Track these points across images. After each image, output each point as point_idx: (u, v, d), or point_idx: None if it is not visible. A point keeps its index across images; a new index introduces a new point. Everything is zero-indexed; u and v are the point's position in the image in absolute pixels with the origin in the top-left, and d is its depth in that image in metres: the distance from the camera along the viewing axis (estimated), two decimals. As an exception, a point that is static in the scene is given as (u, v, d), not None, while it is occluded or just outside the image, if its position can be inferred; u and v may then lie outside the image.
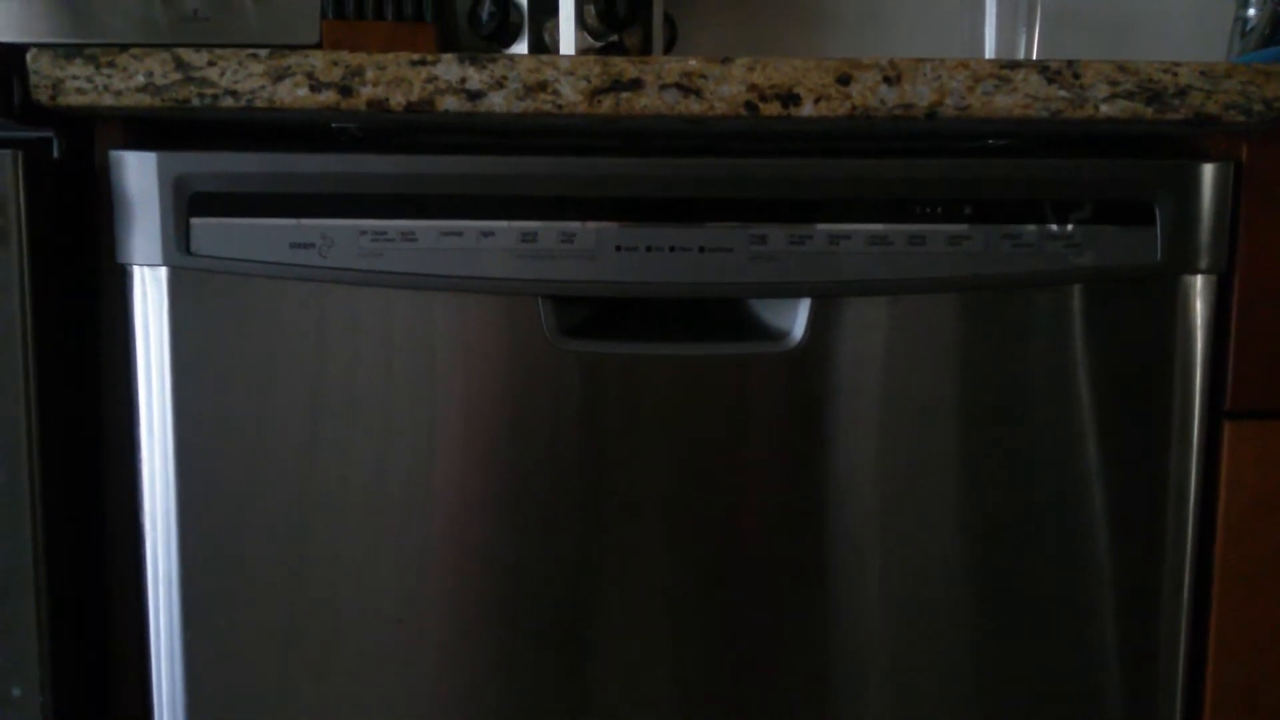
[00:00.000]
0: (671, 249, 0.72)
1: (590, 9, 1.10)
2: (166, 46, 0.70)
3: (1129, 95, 0.72)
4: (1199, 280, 0.75)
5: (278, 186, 0.71)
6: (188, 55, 0.70)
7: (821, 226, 0.73)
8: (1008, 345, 0.74)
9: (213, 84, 0.70)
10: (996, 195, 0.73)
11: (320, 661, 0.75)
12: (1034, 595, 0.76)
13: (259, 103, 0.70)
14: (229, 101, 0.70)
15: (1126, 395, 0.75)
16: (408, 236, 0.71)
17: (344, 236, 0.71)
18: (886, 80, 0.71)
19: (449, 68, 0.69)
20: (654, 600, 0.75)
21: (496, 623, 0.75)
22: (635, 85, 0.70)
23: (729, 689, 0.76)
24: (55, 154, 0.73)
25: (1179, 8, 1.33)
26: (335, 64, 0.69)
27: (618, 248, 0.72)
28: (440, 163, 0.71)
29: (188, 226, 0.71)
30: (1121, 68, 0.71)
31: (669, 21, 1.22)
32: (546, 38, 1.16)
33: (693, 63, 0.70)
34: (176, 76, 0.70)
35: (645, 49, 1.15)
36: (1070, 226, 0.74)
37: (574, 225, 0.72)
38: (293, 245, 0.71)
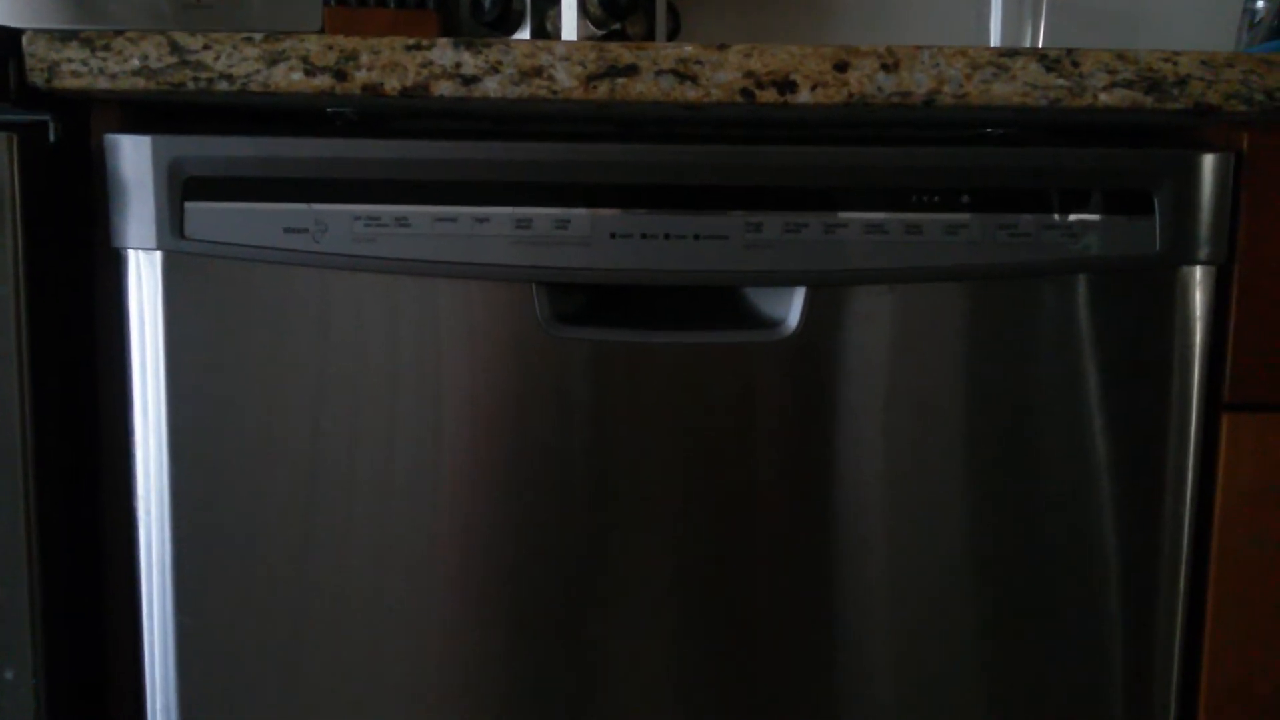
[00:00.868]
0: (667, 236, 0.72)
1: (592, -3, 1.10)
2: (162, 30, 0.70)
3: (1128, 84, 0.71)
4: (1198, 271, 0.75)
5: (271, 171, 0.71)
6: (183, 39, 0.69)
7: (817, 215, 0.72)
8: (1005, 335, 0.74)
9: (208, 67, 0.70)
10: (994, 184, 0.73)
11: (313, 648, 0.75)
12: (1029, 584, 0.76)
13: (254, 87, 0.70)
14: (224, 85, 0.70)
15: (1124, 386, 0.75)
16: (401, 222, 0.71)
17: (338, 222, 0.71)
18: (884, 68, 0.71)
19: (444, 52, 0.69)
20: (652, 587, 0.75)
21: (492, 610, 0.75)
22: (631, 71, 0.70)
23: (728, 674, 0.76)
24: (52, 137, 0.73)
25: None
26: (330, 48, 0.69)
27: (612, 234, 0.72)
28: (435, 148, 0.71)
29: (182, 211, 0.71)
30: (1121, 56, 0.71)
31: (672, 11, 1.22)
32: (549, 26, 1.16)
33: (689, 49, 0.70)
34: (171, 60, 0.70)
35: (648, 38, 1.15)
36: (1069, 216, 0.73)
37: (569, 212, 0.72)
38: (286, 230, 0.71)
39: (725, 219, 0.72)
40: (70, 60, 0.70)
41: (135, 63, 0.70)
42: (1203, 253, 0.74)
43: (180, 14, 1.07)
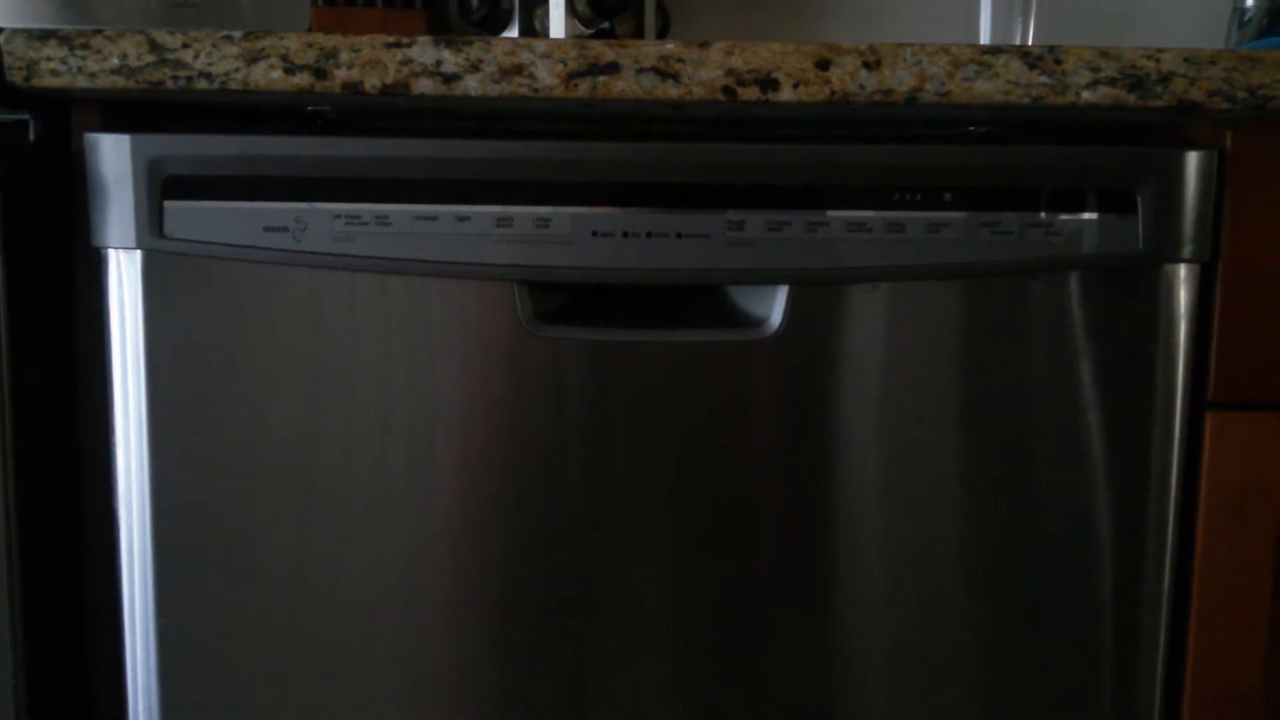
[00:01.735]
0: (648, 235, 0.72)
1: (579, -5, 1.10)
2: (141, 29, 0.70)
3: (1111, 82, 0.71)
4: (1182, 269, 0.74)
5: (251, 169, 0.70)
6: (161, 37, 0.69)
7: (800, 213, 0.72)
8: (988, 333, 0.74)
9: (187, 66, 0.69)
10: (976, 182, 0.72)
11: (294, 647, 0.75)
12: (1014, 580, 0.76)
13: (233, 85, 0.69)
14: (203, 84, 0.69)
15: (1108, 384, 0.75)
16: (382, 220, 0.71)
17: (318, 220, 0.71)
18: (866, 65, 0.70)
19: (424, 50, 0.69)
20: (640, 585, 0.74)
21: (482, 609, 0.74)
22: (612, 69, 0.70)
23: (718, 668, 0.75)
24: (31, 136, 0.73)
25: (1176, -2, 1.32)
26: (310, 46, 0.69)
27: (594, 233, 0.72)
28: (415, 146, 0.71)
29: (161, 209, 0.71)
30: (1104, 54, 0.71)
31: (661, 9, 1.21)
32: (537, 25, 1.15)
33: (670, 46, 0.70)
34: (151, 59, 0.69)
35: (637, 37, 1.15)
36: (1052, 214, 0.73)
37: (550, 210, 0.71)
38: (266, 229, 0.71)
39: (707, 217, 0.72)
40: (49, 59, 0.69)
41: (114, 61, 0.69)
42: (1186, 251, 0.74)
43: (168, 13, 1.07)
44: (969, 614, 0.76)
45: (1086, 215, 0.73)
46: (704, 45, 0.70)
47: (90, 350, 0.75)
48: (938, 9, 1.32)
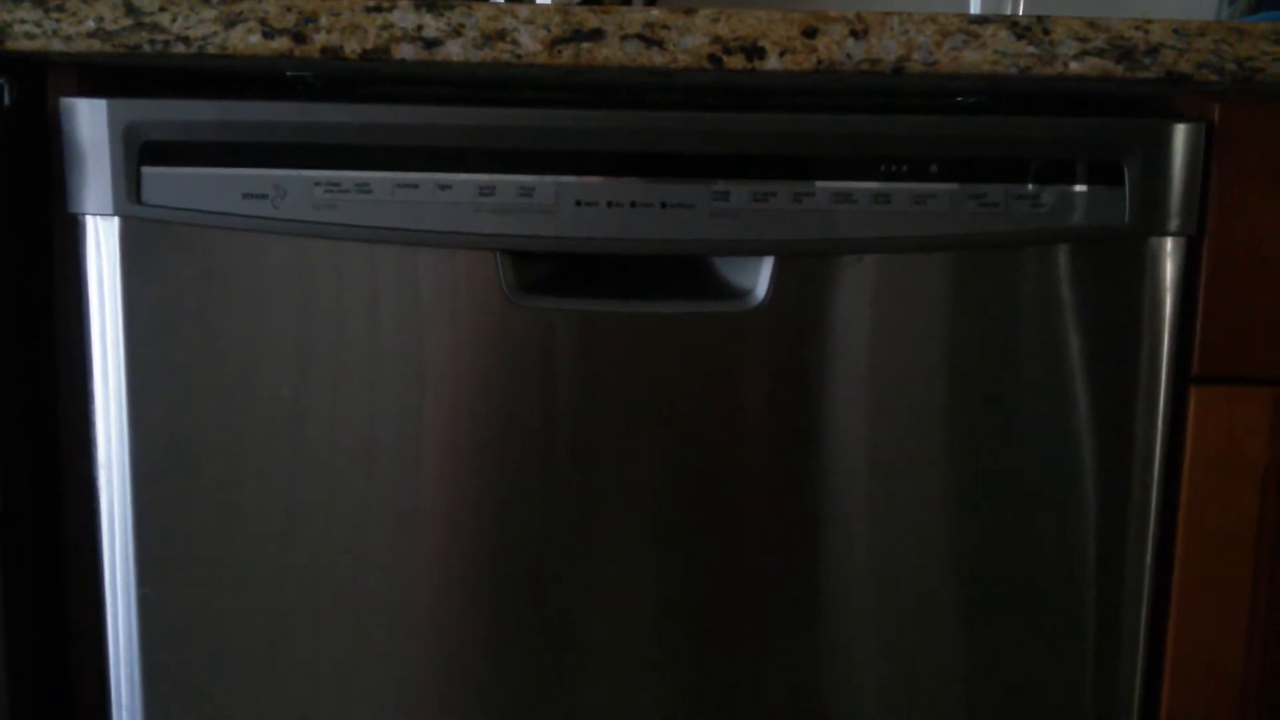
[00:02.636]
0: (632, 204, 0.71)
1: (565, -36, 1.08)
2: (118, -9, 0.69)
3: (1099, 52, 0.70)
4: (1168, 243, 0.74)
5: (230, 135, 0.70)
6: (138, 0, 0.68)
7: (786, 184, 0.71)
8: (974, 305, 0.74)
9: (164, 29, 0.68)
10: (963, 154, 0.72)
11: (276, 618, 0.74)
12: (997, 555, 0.76)
13: (211, 49, 0.68)
14: (180, 48, 0.68)
15: (1093, 358, 0.74)
16: (362, 188, 0.70)
17: (297, 187, 0.70)
18: (853, 34, 0.70)
19: (405, 14, 0.68)
20: (627, 558, 0.74)
21: (464, 581, 0.74)
22: (596, 35, 0.69)
23: (703, 643, 0.75)
24: (6, 100, 0.72)
25: (1167, -27, 1.31)
26: (289, 10, 0.68)
27: (577, 202, 0.71)
28: (396, 112, 0.70)
29: (139, 176, 0.70)
30: (1092, 24, 0.70)
31: (649, -20, 1.20)
32: (523, -6, 1.14)
33: (655, 13, 0.69)
34: (127, 22, 0.68)
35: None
36: (1038, 186, 0.72)
37: (533, 179, 0.71)
38: (245, 195, 0.70)
39: (692, 187, 0.71)
40: (23, 21, 0.68)
41: (90, 24, 0.68)
42: (1173, 224, 0.74)
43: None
44: (952, 585, 0.76)
45: (1073, 187, 0.73)
46: (689, 12, 0.69)
47: (68, 317, 0.75)
48: (928, -18, 1.31)
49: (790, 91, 0.89)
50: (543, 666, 0.75)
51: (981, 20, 0.70)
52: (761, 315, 0.73)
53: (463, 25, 0.68)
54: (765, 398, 0.73)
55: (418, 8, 0.68)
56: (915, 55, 0.70)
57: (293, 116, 0.69)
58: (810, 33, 0.70)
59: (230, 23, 0.68)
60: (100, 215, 0.71)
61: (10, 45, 0.68)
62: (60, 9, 0.68)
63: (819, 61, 0.70)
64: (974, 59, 0.70)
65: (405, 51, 0.68)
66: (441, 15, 0.68)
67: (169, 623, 0.74)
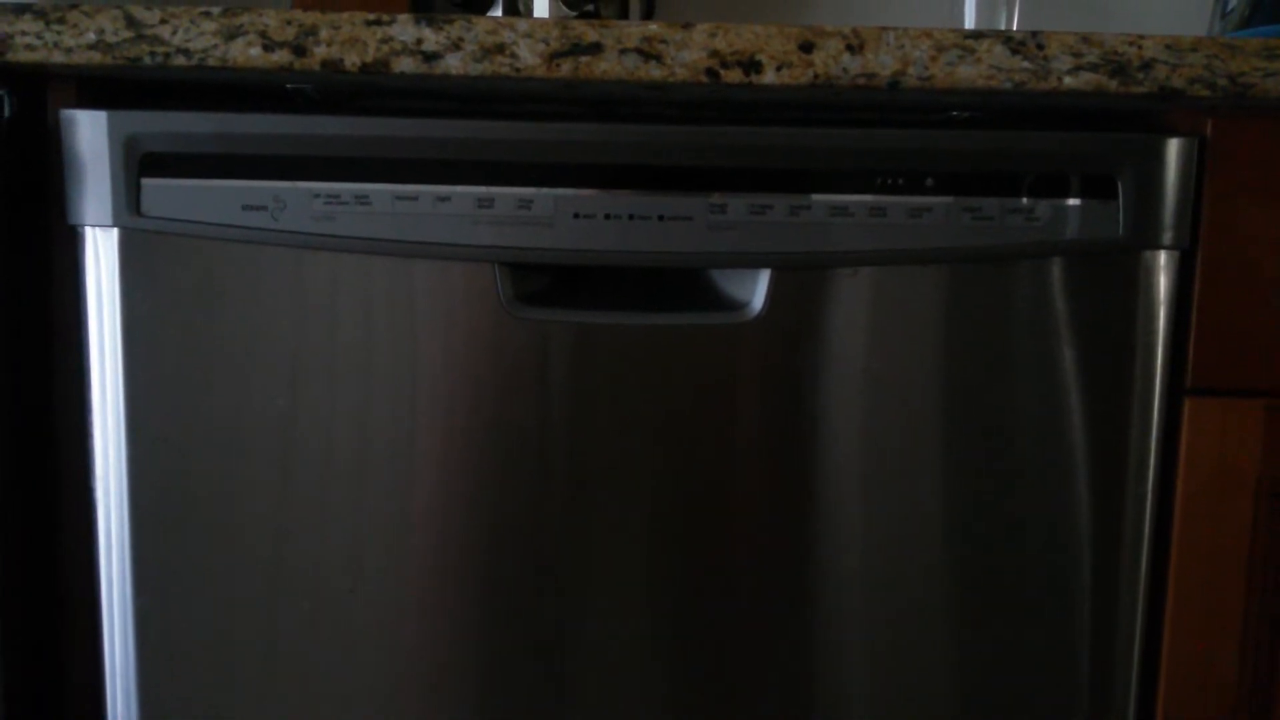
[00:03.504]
0: (630, 217, 0.72)
1: (563, -23, 1.09)
2: (119, 4, 0.69)
3: (1093, 67, 0.71)
4: (1161, 256, 0.75)
5: (230, 147, 0.70)
6: (139, 12, 0.68)
7: (783, 196, 0.72)
8: (969, 318, 0.74)
9: (164, 42, 0.69)
10: (959, 168, 0.72)
11: (273, 628, 0.74)
12: (993, 565, 0.76)
13: (211, 62, 0.69)
14: (181, 60, 0.69)
15: (1087, 371, 0.75)
16: (361, 200, 0.70)
17: (296, 199, 0.70)
18: (849, 49, 0.70)
19: (404, 28, 0.68)
20: (622, 569, 0.74)
21: (464, 591, 0.74)
22: (594, 49, 0.69)
23: (700, 649, 0.76)
24: (6, 112, 0.72)
25: (1160, -12, 1.32)
26: (289, 23, 0.68)
27: (575, 215, 0.71)
28: (395, 125, 0.70)
29: (138, 187, 0.70)
30: (1086, 39, 0.71)
31: (645, -7, 1.21)
32: (521, 7, 1.15)
33: (653, 27, 0.69)
34: (128, 34, 0.69)
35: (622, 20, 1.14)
36: (1033, 200, 0.73)
37: (531, 191, 0.71)
38: (244, 207, 0.70)
39: (690, 200, 0.72)
40: (24, 33, 0.68)
41: (91, 36, 0.69)
42: (1166, 238, 0.74)
43: (151, -7, 1.05)
44: (948, 595, 0.76)
45: (1067, 201, 0.73)
46: (687, 27, 0.70)
47: (67, 329, 0.75)
48: (923, -3, 1.32)
49: (787, 105, 0.89)
50: (538, 676, 0.75)
51: (976, 35, 0.70)
52: (758, 327, 0.73)
53: (462, 39, 0.69)
54: (761, 409, 0.74)
55: (417, 22, 0.68)
56: (911, 70, 0.71)
57: (292, 129, 0.70)
58: (807, 47, 0.70)
59: (231, 35, 0.68)
60: (99, 226, 0.71)
61: (11, 57, 0.69)
62: (61, 21, 0.68)
63: (815, 76, 0.70)
64: (969, 74, 0.71)
65: (405, 65, 0.69)
66: (441, 29, 0.69)
67: (166, 633, 0.74)
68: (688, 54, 0.70)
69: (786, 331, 0.73)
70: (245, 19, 0.68)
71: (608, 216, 0.71)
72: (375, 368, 0.72)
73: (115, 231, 0.71)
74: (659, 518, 0.74)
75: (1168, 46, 0.71)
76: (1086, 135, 0.73)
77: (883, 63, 0.70)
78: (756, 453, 0.74)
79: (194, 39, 0.69)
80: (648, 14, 1.22)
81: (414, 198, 0.70)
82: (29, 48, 0.69)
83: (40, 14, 0.68)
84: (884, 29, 0.70)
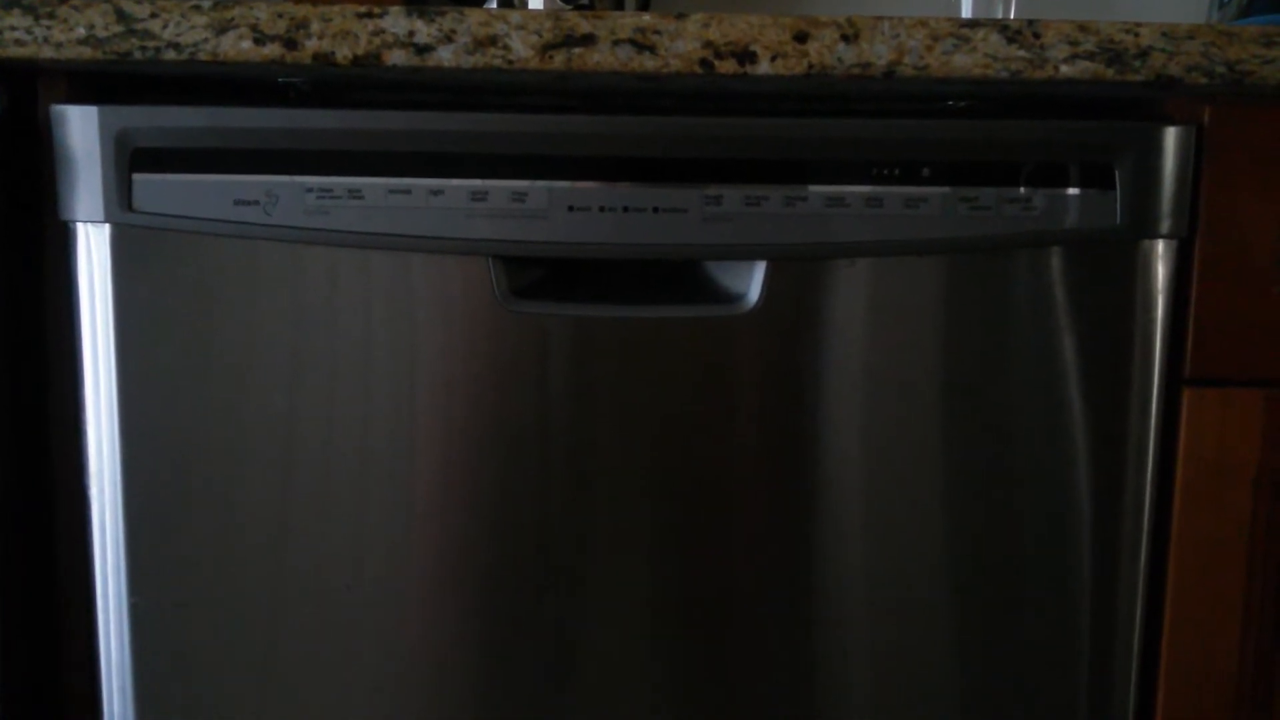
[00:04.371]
0: (625, 209, 0.71)
1: (557, -30, 1.08)
2: (108, -2, 0.69)
3: (1089, 56, 0.70)
4: (1159, 245, 0.74)
5: (221, 142, 0.69)
6: (129, 7, 0.68)
7: (778, 188, 0.72)
8: (966, 309, 0.74)
9: (155, 36, 0.68)
10: (955, 157, 0.72)
11: (270, 627, 0.74)
12: (991, 557, 0.76)
13: (202, 56, 0.68)
14: (171, 55, 0.68)
15: (1086, 361, 0.75)
16: (354, 194, 0.70)
17: (289, 194, 0.70)
18: (844, 38, 0.70)
19: (396, 21, 0.68)
20: (621, 562, 0.74)
21: (463, 589, 0.74)
22: (588, 41, 0.69)
23: (699, 644, 0.75)
24: (-3, 108, 0.72)
25: (1157, -23, 1.32)
26: (280, 16, 0.68)
27: (570, 208, 0.71)
28: (388, 118, 0.70)
29: (130, 183, 0.70)
30: (1082, 28, 0.70)
31: (641, -14, 1.20)
32: (516, 0, 1.14)
33: (647, 18, 0.69)
34: (118, 29, 0.68)
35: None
36: (1030, 189, 0.73)
37: (525, 184, 0.71)
38: (237, 202, 0.70)
39: (685, 192, 0.71)
40: (14, 28, 0.68)
41: (81, 31, 0.68)
42: (1164, 227, 0.74)
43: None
44: (946, 586, 0.76)
45: (1064, 191, 0.73)
46: (681, 17, 0.69)
47: (60, 326, 0.74)
48: (920, -13, 1.31)
49: (782, 96, 0.89)
50: (538, 671, 0.75)
51: (972, 24, 0.70)
52: (754, 319, 0.73)
53: (454, 31, 0.68)
54: (758, 402, 0.73)
55: (409, 14, 0.68)
56: (906, 59, 0.70)
57: (284, 123, 0.69)
58: (801, 37, 0.70)
59: (221, 29, 0.68)
60: (91, 222, 0.71)
61: (0, 52, 0.68)
62: (51, 16, 0.68)
63: (810, 66, 0.70)
64: (965, 63, 0.70)
65: (397, 57, 0.68)
66: (433, 21, 0.68)
67: (161, 632, 0.74)
68: (682, 45, 0.69)
69: (782, 323, 0.73)
70: (236, 12, 0.68)
71: (602, 209, 0.71)
72: (370, 362, 0.72)
73: (107, 227, 0.71)
74: (656, 509, 0.74)
75: (1164, 34, 0.70)
76: (1083, 124, 0.73)
77: (878, 52, 0.70)
78: (753, 445, 0.74)
79: (184, 33, 0.68)
80: (644, 6, 1.22)
81: (407, 191, 0.70)
82: (18, 43, 0.68)
83: (30, 9, 0.68)
84: (879, 18, 0.70)
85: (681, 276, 0.74)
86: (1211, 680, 0.78)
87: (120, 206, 0.70)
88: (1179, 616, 0.77)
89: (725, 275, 0.74)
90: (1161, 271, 0.74)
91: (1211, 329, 0.75)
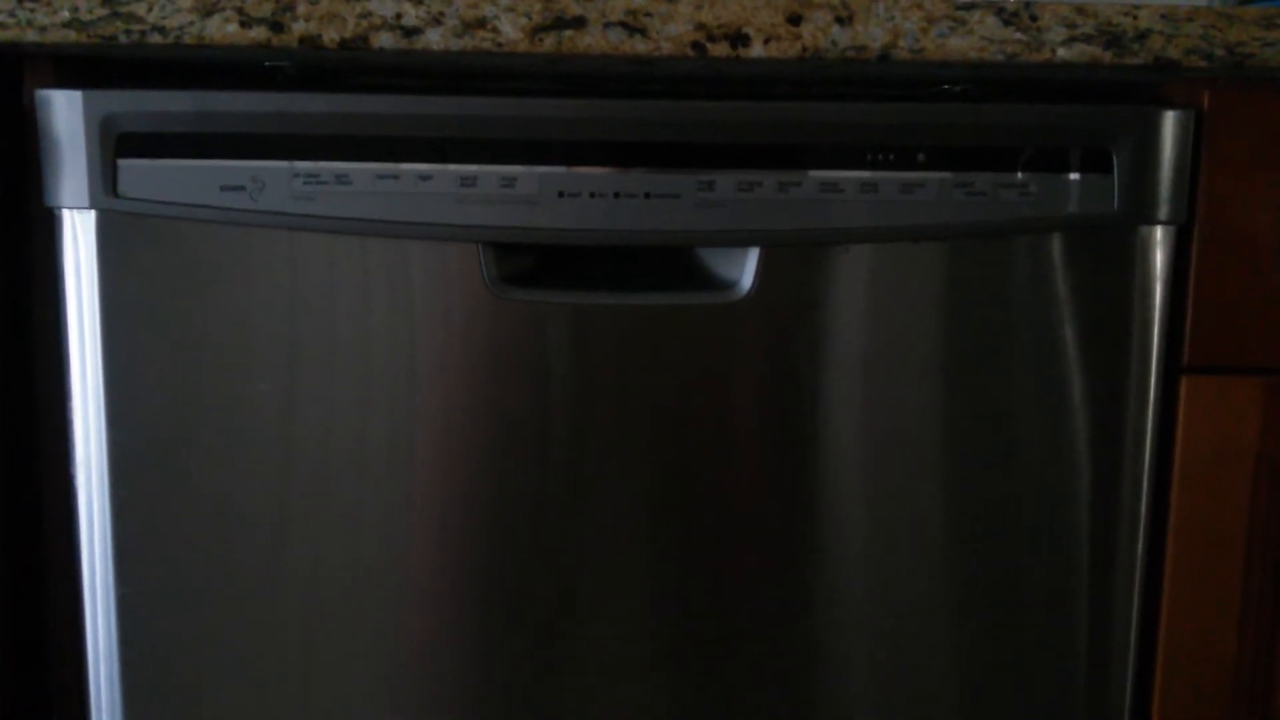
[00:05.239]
0: (616, 195, 0.70)
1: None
2: (92, -20, 0.68)
3: (1087, 39, 0.69)
4: (1158, 231, 0.73)
5: (207, 127, 0.69)
6: (113, -11, 0.67)
7: (771, 173, 0.71)
8: (962, 295, 0.73)
9: (140, 19, 0.67)
10: (951, 142, 0.71)
11: (260, 619, 0.73)
12: (989, 543, 0.75)
13: (188, 39, 0.67)
14: (156, 38, 0.67)
15: (1083, 348, 0.74)
16: (342, 179, 0.69)
17: (275, 179, 0.69)
18: (838, 20, 0.69)
19: (383, 3, 0.67)
20: (616, 553, 0.74)
21: (446, 581, 0.73)
22: (578, 23, 0.68)
23: (696, 633, 0.75)
24: (-20, 93, 0.71)
25: (1157, -39, 1.30)
26: (266, -1, 0.67)
27: (560, 193, 0.70)
28: (376, 102, 0.69)
29: (115, 168, 0.69)
30: (1080, 10, 0.69)
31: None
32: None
33: (638, 0, 0.68)
34: (102, 12, 0.67)
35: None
36: (1026, 175, 0.72)
37: (515, 169, 0.70)
38: (223, 188, 0.69)
39: (677, 177, 0.70)
40: (-4, 11, 0.67)
41: (65, 14, 0.67)
42: (1162, 212, 0.73)
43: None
44: (943, 576, 0.75)
45: (1061, 176, 0.72)
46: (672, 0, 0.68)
47: (45, 313, 0.74)
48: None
49: (775, 80, 0.88)
50: (534, 664, 0.74)
51: (968, 6, 0.69)
52: (748, 306, 0.72)
53: (442, 13, 0.67)
54: (752, 389, 0.73)
55: (397, -4, 0.67)
56: (901, 42, 0.69)
57: (271, 107, 0.68)
58: (795, 19, 0.69)
59: (207, 12, 0.67)
60: (77, 209, 0.70)
61: (-17, 36, 0.67)
62: (33, -1, 0.67)
63: (804, 49, 0.69)
64: (961, 45, 0.69)
65: (384, 40, 0.67)
66: (421, 3, 0.67)
67: (149, 624, 0.73)
68: (673, 27, 0.68)
69: (777, 310, 0.72)
70: (221, -5, 0.67)
71: (593, 195, 0.70)
72: (357, 348, 0.71)
73: (92, 214, 0.70)
74: (651, 497, 0.73)
75: (1163, 16, 0.69)
76: (1081, 108, 0.72)
77: (872, 35, 0.69)
78: (748, 432, 0.73)
79: (170, 15, 0.67)
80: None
81: (395, 176, 0.69)
82: (1, 26, 0.67)
83: (12, -9, 0.67)
84: (873, 0, 0.69)
85: (674, 263, 0.74)
86: (1209, 667, 0.78)
87: (105, 192, 0.69)
88: (1177, 604, 0.77)
89: (718, 262, 0.73)
90: (1160, 258, 0.74)
91: (1210, 316, 0.74)
